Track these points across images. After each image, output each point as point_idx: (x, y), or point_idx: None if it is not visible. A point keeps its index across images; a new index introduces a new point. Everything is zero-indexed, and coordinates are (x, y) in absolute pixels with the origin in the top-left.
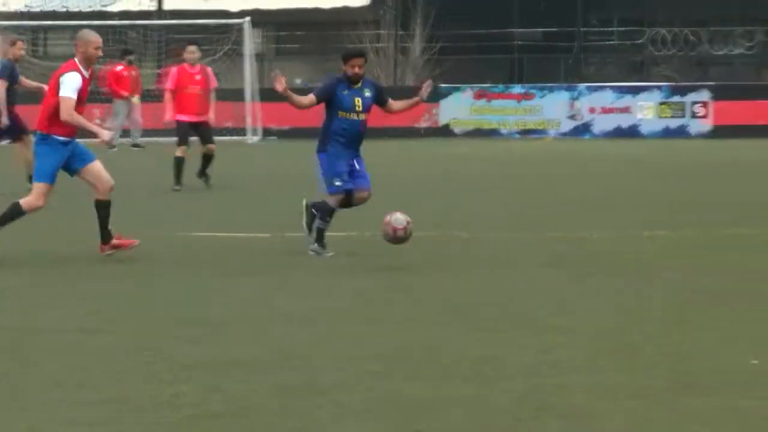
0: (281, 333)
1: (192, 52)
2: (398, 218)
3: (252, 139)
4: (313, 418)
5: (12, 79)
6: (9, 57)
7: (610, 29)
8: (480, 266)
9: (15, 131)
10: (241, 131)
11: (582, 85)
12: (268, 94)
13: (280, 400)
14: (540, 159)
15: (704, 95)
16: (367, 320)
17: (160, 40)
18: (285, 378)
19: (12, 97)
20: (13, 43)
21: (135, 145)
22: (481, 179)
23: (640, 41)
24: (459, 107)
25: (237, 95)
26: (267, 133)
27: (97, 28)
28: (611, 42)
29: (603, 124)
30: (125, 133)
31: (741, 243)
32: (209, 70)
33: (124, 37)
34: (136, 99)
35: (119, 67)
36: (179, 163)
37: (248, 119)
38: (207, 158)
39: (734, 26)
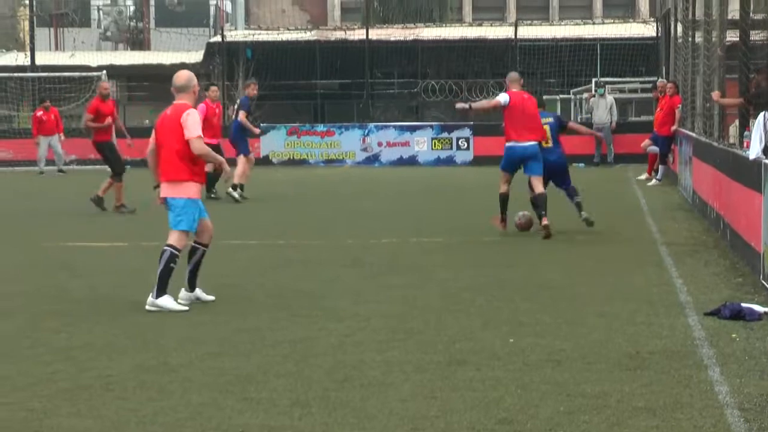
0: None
1: (214, 91)
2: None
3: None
4: (166, 390)
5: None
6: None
7: (391, 80)
8: (294, 266)
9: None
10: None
11: (371, 124)
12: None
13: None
14: (340, 182)
15: (466, 132)
16: (208, 313)
17: (34, 89)
18: (142, 358)
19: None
20: (247, 86)
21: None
22: (293, 198)
23: (415, 90)
24: (275, 142)
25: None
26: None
27: None
28: (392, 90)
29: (389, 155)
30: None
31: (497, 247)
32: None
33: (4, 86)
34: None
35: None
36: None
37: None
38: (217, 175)
39: (487, 79)
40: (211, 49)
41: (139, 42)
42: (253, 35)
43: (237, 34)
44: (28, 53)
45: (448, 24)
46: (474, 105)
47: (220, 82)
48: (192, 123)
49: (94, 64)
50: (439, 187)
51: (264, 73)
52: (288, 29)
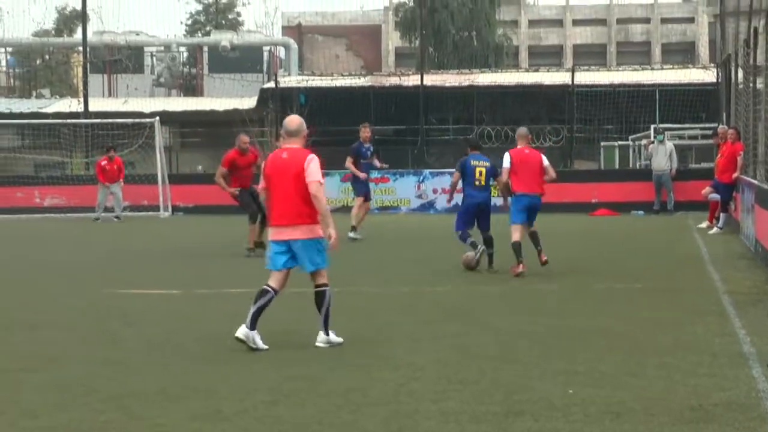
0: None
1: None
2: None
3: (163, 214)
4: None
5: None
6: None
7: (446, 126)
8: (347, 312)
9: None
10: (155, 208)
11: (426, 171)
12: (175, 179)
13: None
14: (394, 229)
15: None
16: (260, 361)
17: (87, 135)
18: (195, 407)
19: None
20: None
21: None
22: (347, 245)
23: (470, 136)
24: (330, 188)
25: (150, 179)
26: (175, 209)
27: (36, 126)
28: (447, 137)
29: (444, 202)
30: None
31: (552, 294)
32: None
33: (57, 133)
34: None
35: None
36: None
37: (160, 198)
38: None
39: (543, 125)
40: (264, 95)
41: (192, 88)
42: (307, 81)
43: (290, 80)
44: (82, 99)
45: (504, 70)
46: (503, 194)
47: (273, 128)
48: (315, 168)
49: (147, 110)
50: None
51: (317, 119)
52: (342, 75)
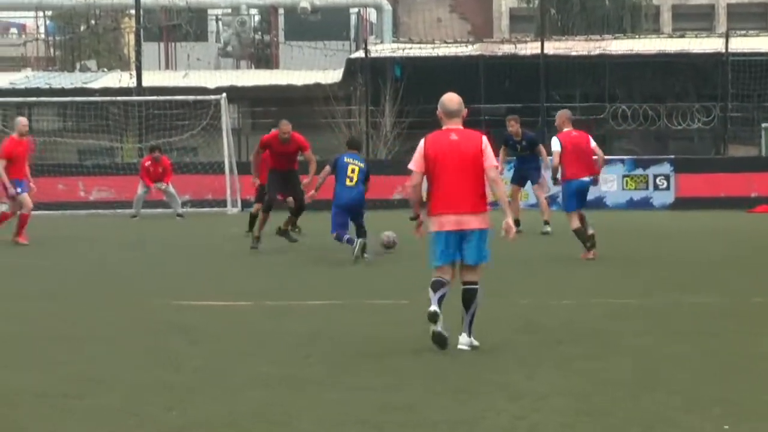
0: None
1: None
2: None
3: (231, 210)
4: None
5: None
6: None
7: (572, 104)
8: (456, 330)
9: None
10: (221, 203)
11: (549, 158)
12: (245, 167)
13: None
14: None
15: (666, 168)
16: (348, 387)
17: (140, 115)
18: None
19: None
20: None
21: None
22: None
23: (602, 116)
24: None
25: (216, 168)
26: (246, 204)
27: (80, 105)
28: (574, 117)
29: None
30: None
31: (703, 310)
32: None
33: (105, 113)
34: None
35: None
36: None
37: (227, 191)
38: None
39: (691, 102)
40: (351, 67)
41: (265, 59)
42: (403, 49)
43: (383, 49)
44: (134, 73)
45: (642, 35)
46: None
47: (362, 107)
48: (491, 152)
49: (211, 85)
50: (630, 235)
51: (416, 96)
52: (445, 42)
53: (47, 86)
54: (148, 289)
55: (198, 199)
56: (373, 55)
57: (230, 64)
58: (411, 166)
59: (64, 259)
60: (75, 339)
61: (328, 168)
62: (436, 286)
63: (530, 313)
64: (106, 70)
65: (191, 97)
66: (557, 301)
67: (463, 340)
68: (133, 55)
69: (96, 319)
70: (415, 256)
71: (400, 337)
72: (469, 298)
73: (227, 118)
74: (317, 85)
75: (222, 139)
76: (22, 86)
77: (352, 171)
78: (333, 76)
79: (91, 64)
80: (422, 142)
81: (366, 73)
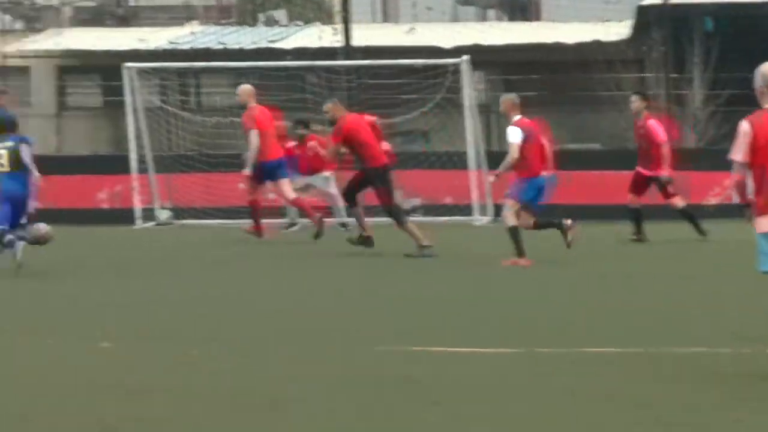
0: None
1: (632, 101)
2: None
3: (480, 219)
4: None
5: None
6: None
7: None
8: (635, 381)
9: None
10: (465, 209)
11: None
12: (497, 158)
13: None
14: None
15: None
16: None
17: (350, 86)
18: None
19: None
20: None
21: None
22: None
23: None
24: None
25: (456, 161)
26: (499, 210)
27: (265, 72)
28: None
29: None
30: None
31: None
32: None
33: (300, 83)
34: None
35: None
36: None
37: (474, 193)
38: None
39: None
40: (643, 18)
41: (521, 7)
42: None
43: None
44: (340, 27)
45: None
46: None
47: (661, 74)
48: None
49: (447, 45)
50: None
51: (736, 60)
52: None
53: (220, 46)
54: (361, 331)
55: (434, 204)
56: (674, 0)
57: (473, 15)
58: (734, 156)
59: (249, 290)
60: (273, 400)
61: None
62: None
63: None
64: (300, 23)
65: (419, 61)
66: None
67: None
68: (338, 2)
69: (297, 373)
70: None
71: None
72: None
73: (470, 90)
74: (596, 44)
75: (463, 118)
76: (187, 46)
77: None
78: (617, 30)
79: (280, 15)
80: (746, 124)
81: (664, 27)
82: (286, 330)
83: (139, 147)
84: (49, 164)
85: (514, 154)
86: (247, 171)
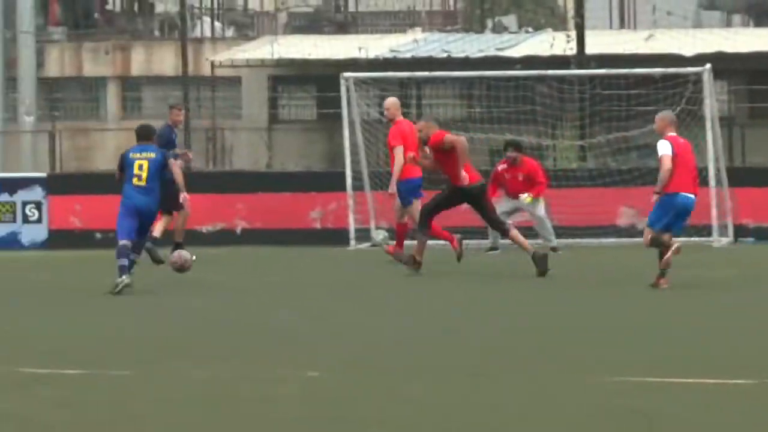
0: None
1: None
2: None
3: (720, 240)
4: None
5: None
6: None
7: None
8: None
9: None
10: (703, 230)
11: None
12: (740, 176)
13: None
14: None
15: None
16: None
17: (582, 97)
18: None
19: None
20: None
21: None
22: None
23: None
24: None
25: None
26: (741, 232)
27: (493, 82)
28: None
29: None
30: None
31: None
32: None
33: (531, 94)
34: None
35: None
36: None
37: (713, 211)
38: None
39: None
40: None
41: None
42: None
43: None
44: (573, 34)
45: None
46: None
47: None
48: None
49: (688, 52)
50: None
51: None
52: None
53: (444, 54)
54: (567, 357)
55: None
56: None
57: (717, 20)
58: None
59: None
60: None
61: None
62: None
63: None
64: (531, 30)
65: (658, 70)
66: None
67: None
68: (572, 7)
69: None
70: None
71: None
72: None
73: (712, 100)
74: None
75: (704, 132)
76: (409, 54)
77: (140, 168)
78: None
79: (510, 21)
80: None
81: None
82: (503, 358)
83: (354, 162)
84: (258, 181)
85: (666, 165)
86: (392, 190)
